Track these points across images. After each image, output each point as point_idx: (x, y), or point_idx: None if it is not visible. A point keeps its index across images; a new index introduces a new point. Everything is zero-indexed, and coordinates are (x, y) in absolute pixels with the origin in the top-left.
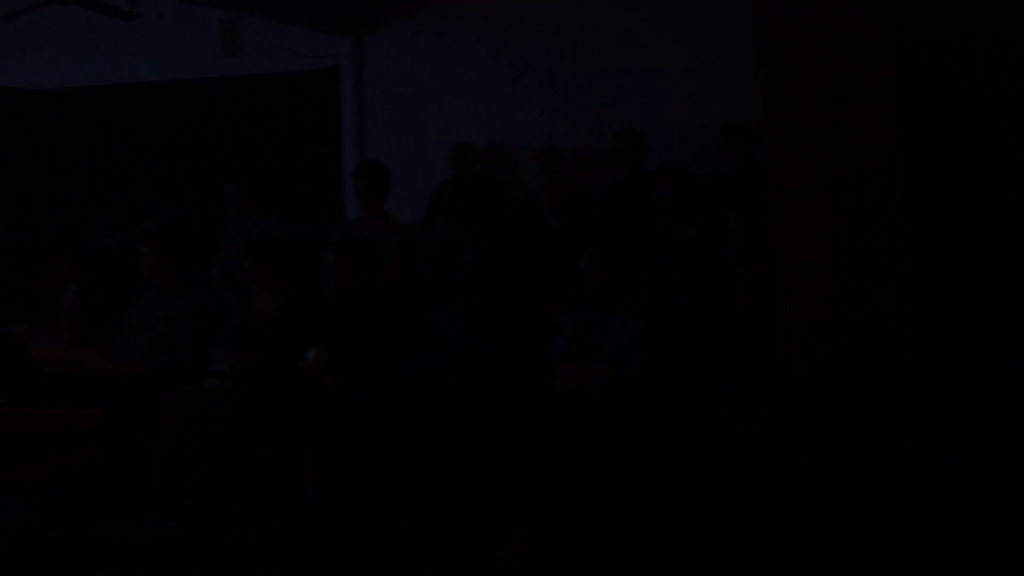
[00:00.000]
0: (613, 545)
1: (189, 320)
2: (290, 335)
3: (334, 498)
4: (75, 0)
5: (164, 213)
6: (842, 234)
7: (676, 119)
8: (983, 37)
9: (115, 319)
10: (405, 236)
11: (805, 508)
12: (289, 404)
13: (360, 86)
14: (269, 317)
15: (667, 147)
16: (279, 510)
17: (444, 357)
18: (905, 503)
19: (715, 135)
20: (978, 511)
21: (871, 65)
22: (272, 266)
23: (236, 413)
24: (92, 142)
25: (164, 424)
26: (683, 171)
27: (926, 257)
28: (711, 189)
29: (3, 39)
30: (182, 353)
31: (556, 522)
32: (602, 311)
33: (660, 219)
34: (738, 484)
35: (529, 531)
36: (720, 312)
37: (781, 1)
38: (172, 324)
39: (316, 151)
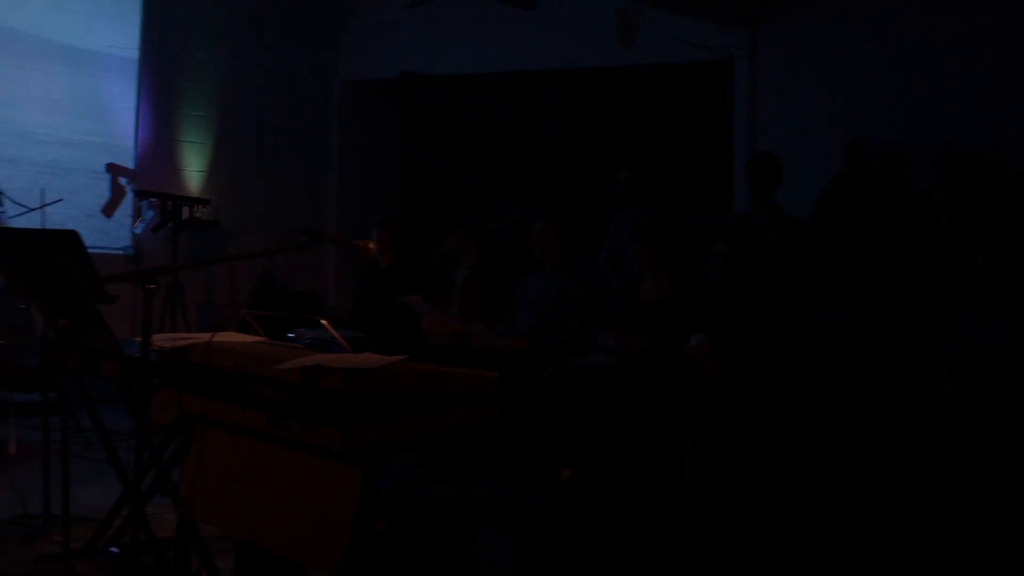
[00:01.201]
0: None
1: (575, 300)
2: (674, 320)
3: (710, 484)
4: None
5: (557, 196)
6: None
7: None
8: None
9: (504, 295)
10: (794, 229)
11: None
12: (671, 387)
13: (754, 77)
14: (654, 301)
15: None
16: (654, 491)
17: (825, 352)
18: None
19: None
20: None
21: None
22: (660, 251)
23: (619, 391)
24: (493, 125)
25: (547, 396)
26: None
27: None
28: None
29: (410, 26)
30: (567, 332)
31: (933, 524)
32: (995, 311)
33: None
34: None
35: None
36: None
37: None
38: (559, 303)
39: (707, 141)
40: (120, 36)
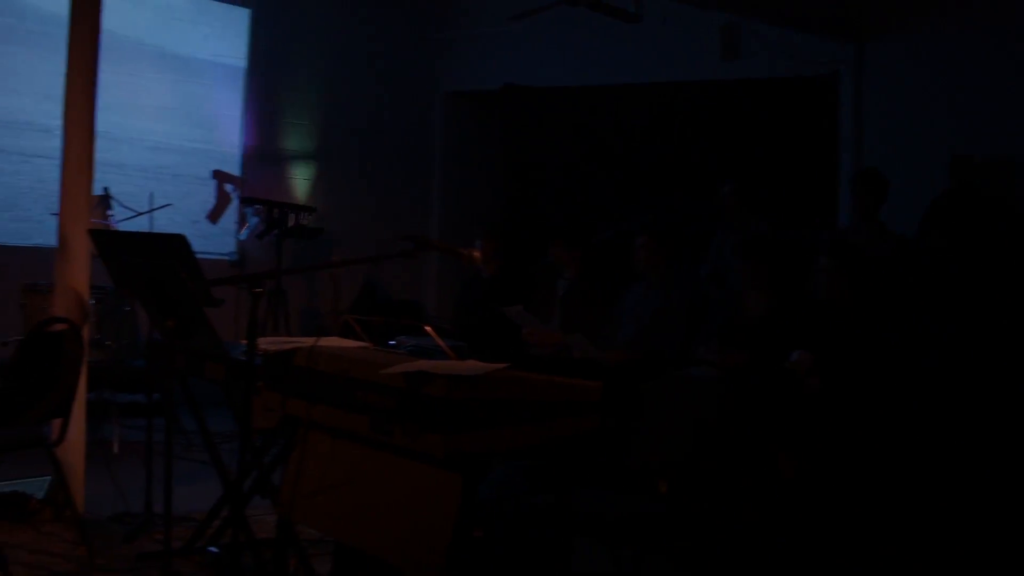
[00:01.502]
0: None
1: (677, 314)
2: (776, 335)
3: (807, 500)
4: (583, 2)
5: (660, 209)
6: None
7: None
8: None
9: (605, 307)
10: (898, 246)
11: None
12: (771, 403)
13: (859, 92)
14: (756, 316)
15: None
16: (751, 506)
17: (929, 369)
18: None
19: None
20: None
21: None
22: (763, 266)
23: (718, 405)
24: (595, 138)
25: (647, 409)
26: None
27: None
28: None
29: (513, 39)
30: (667, 345)
31: None
32: None
33: None
34: None
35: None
36: None
37: None
38: (660, 316)
39: (812, 156)
40: (228, 46)
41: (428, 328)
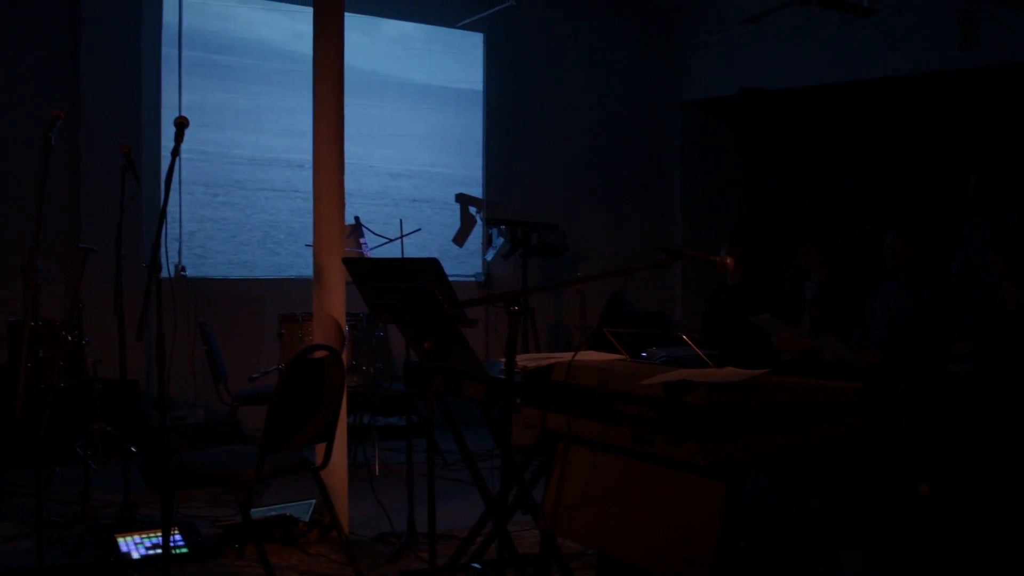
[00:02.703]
0: None
1: (929, 312)
2: None
3: None
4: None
5: (907, 205)
6: None
7: None
8: None
9: (855, 308)
10: None
11: None
12: None
13: None
14: (1013, 310)
15: None
16: (1015, 509)
17: None
18: None
19: None
20: None
21: None
22: (1016, 258)
23: (978, 404)
24: (835, 137)
25: (906, 408)
26: None
27: None
28: None
29: (747, 42)
30: (921, 344)
31: None
32: None
33: None
34: None
35: None
36: None
37: None
38: (912, 315)
39: None
40: (464, 71)
41: (685, 336)
